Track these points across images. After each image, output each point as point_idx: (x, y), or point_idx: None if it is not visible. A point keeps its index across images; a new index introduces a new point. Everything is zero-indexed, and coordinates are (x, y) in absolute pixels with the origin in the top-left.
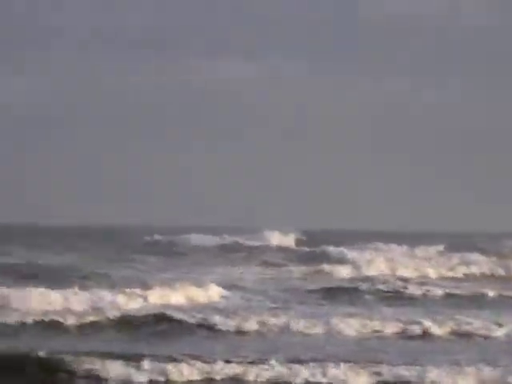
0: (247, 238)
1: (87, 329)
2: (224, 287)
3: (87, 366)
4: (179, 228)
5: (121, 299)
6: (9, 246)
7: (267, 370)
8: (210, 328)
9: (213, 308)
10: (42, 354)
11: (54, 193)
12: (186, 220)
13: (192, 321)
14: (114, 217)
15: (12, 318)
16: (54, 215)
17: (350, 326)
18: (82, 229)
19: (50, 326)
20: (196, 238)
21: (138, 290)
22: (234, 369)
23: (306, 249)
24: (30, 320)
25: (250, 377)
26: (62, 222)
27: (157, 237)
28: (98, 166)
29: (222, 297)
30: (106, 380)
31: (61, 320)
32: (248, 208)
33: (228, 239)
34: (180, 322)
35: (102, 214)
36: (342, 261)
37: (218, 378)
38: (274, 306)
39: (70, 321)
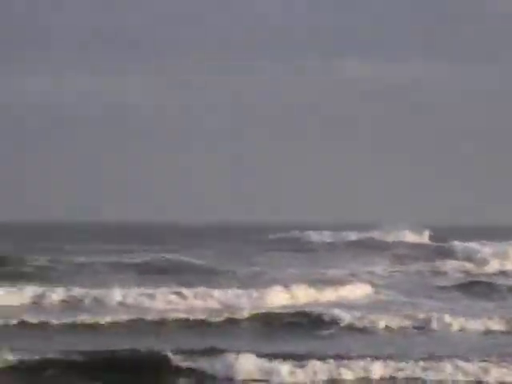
0: (375, 234)
1: (226, 326)
2: (361, 283)
3: (227, 365)
4: (293, 225)
5: (260, 296)
6: (122, 245)
7: (422, 368)
8: (350, 325)
9: (353, 304)
10: (179, 353)
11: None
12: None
13: (332, 318)
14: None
15: (151, 316)
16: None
17: (492, 321)
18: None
19: (190, 324)
20: (325, 235)
21: (277, 288)
22: (372, 366)
23: (435, 244)
24: (169, 318)
25: (395, 375)
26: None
27: (280, 234)
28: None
29: (364, 293)
30: (246, 380)
31: (203, 317)
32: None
33: (357, 235)
34: (320, 319)
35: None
36: (471, 256)
37: (361, 375)
38: (411, 301)
39: (212, 319)
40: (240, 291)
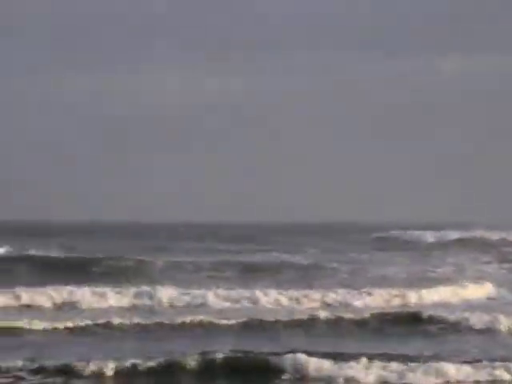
0: (477, 233)
1: (337, 327)
2: (479, 282)
3: (346, 367)
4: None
5: (370, 296)
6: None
7: None
8: (469, 326)
9: (471, 304)
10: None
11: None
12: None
13: (451, 320)
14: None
15: (263, 317)
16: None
17: None
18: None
19: (297, 325)
20: (426, 234)
21: (389, 287)
22: (496, 369)
23: None
24: (278, 319)
25: None
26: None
27: (379, 233)
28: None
29: (485, 292)
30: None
31: (312, 318)
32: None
33: (460, 234)
34: (435, 320)
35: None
36: None
37: (485, 378)
38: None
39: (321, 319)
40: (348, 291)
